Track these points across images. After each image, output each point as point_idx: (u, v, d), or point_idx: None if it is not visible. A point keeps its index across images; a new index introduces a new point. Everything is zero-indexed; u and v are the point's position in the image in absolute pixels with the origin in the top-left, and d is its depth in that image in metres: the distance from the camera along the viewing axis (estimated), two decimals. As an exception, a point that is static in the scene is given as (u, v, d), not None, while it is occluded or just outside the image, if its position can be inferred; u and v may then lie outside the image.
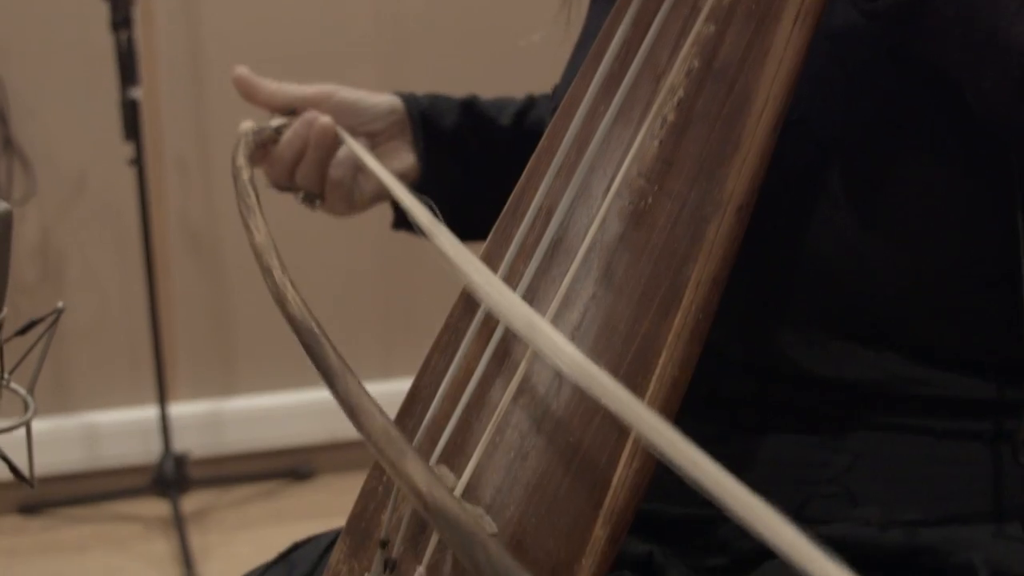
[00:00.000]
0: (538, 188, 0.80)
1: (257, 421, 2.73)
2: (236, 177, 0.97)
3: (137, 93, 2.33)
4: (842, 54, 0.82)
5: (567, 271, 0.75)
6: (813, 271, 0.84)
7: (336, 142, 1.09)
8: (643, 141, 0.74)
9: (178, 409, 2.63)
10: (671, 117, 0.73)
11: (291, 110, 1.12)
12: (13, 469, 0.83)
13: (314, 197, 1.14)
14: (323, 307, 2.66)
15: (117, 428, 2.65)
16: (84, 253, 2.58)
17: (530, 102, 1.18)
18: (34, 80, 2.47)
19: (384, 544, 0.80)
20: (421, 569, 0.76)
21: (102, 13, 2.31)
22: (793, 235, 0.84)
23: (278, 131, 1.10)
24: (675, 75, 0.74)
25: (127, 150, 2.38)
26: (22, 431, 0.79)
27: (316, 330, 0.73)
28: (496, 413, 0.76)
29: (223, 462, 2.71)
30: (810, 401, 0.87)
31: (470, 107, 1.17)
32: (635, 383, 0.70)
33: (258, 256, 0.85)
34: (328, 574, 0.89)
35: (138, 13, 2.40)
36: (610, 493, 0.69)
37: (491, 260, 0.83)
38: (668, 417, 0.69)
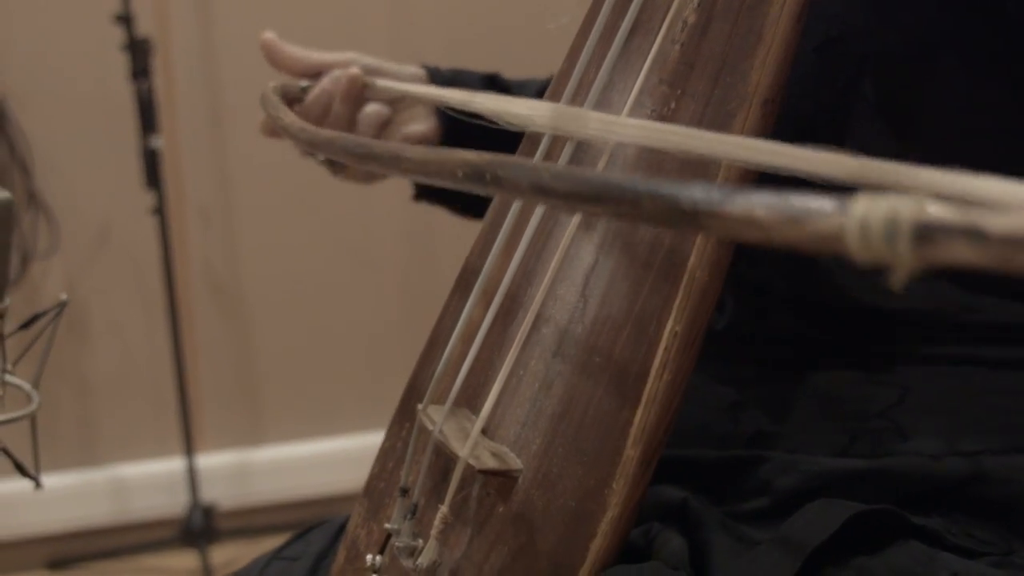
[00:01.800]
0: (537, 146, 0.78)
1: (285, 471, 2.69)
2: (268, 106, 0.97)
3: (158, 142, 2.33)
4: None
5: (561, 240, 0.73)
6: None
7: (362, 97, 1.08)
8: (662, 47, 0.72)
9: (205, 460, 2.59)
10: (691, 19, 0.71)
11: (315, 75, 1.11)
12: (18, 466, 0.81)
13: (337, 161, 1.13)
14: (352, 357, 2.65)
15: (144, 480, 2.62)
16: (108, 304, 2.56)
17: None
18: (56, 132, 2.47)
19: (404, 491, 0.77)
20: (444, 508, 0.73)
21: (121, 64, 2.32)
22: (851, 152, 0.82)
23: (304, 90, 1.10)
24: (693, -25, 0.71)
25: (149, 200, 2.37)
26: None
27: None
28: (515, 345, 0.74)
29: (251, 513, 2.67)
30: (856, 335, 0.84)
31: (493, 80, 1.17)
32: (663, 291, 0.66)
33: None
34: (346, 541, 0.86)
35: (157, 63, 2.40)
36: (640, 409, 0.66)
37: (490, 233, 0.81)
38: (698, 319, 0.66)
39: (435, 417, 0.76)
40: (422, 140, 1.10)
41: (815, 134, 0.81)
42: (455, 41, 2.64)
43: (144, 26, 2.38)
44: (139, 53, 2.32)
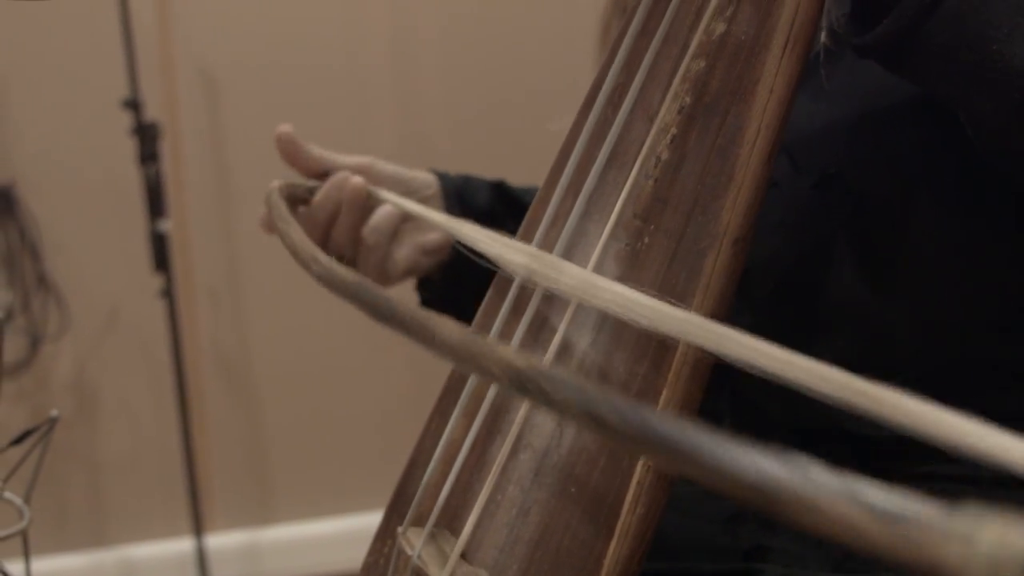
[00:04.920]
0: (533, 238, 0.79)
1: (295, 550, 2.69)
2: (270, 202, 0.94)
3: (166, 225, 2.35)
4: (874, 109, 0.82)
5: (563, 318, 0.73)
6: (850, 324, 0.83)
7: (368, 205, 1.07)
8: (637, 181, 0.73)
9: (215, 540, 2.60)
10: (665, 155, 0.72)
11: (324, 175, 1.10)
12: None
13: (346, 264, 1.12)
14: (360, 437, 2.66)
15: (154, 561, 2.62)
16: (118, 386, 2.58)
17: None
18: (65, 216, 2.50)
19: None
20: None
21: (129, 148, 2.35)
22: (834, 289, 0.83)
23: (310, 191, 1.08)
24: (667, 113, 0.73)
25: (158, 282, 2.39)
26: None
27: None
28: (494, 469, 0.74)
29: (261, 593, 2.67)
30: (851, 455, 0.85)
31: (500, 188, 1.17)
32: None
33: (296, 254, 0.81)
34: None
35: (165, 147, 2.43)
36: (614, 541, 0.67)
37: (488, 315, 0.81)
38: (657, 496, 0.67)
39: (414, 541, 0.77)
40: (437, 248, 1.10)
41: (802, 272, 0.83)
42: (458, 107, 2.67)
43: (152, 111, 2.42)
44: (147, 137, 2.34)
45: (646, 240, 0.71)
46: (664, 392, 0.67)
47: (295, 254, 0.86)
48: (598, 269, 0.73)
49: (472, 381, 0.79)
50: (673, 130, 0.72)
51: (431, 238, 1.11)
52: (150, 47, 2.51)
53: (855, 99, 0.83)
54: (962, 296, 0.81)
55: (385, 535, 0.85)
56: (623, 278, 0.72)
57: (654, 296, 0.62)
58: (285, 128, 1.12)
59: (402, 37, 2.65)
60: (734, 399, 0.90)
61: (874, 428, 0.83)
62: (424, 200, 1.12)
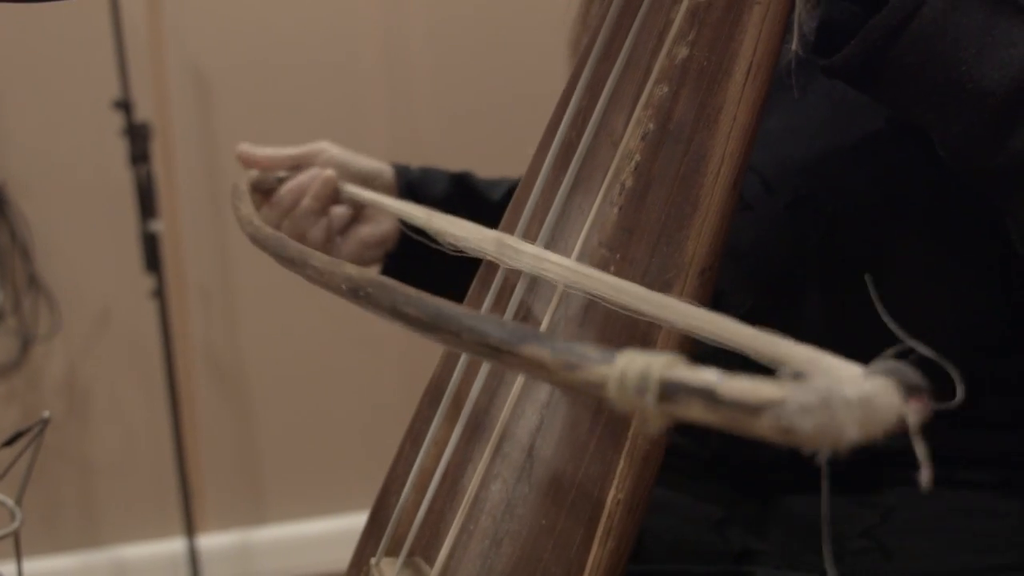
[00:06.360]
0: (491, 284, 0.78)
1: (287, 550, 2.69)
2: (234, 196, 1.03)
3: (157, 226, 2.34)
4: (846, 130, 0.81)
5: (547, 311, 0.73)
6: (824, 345, 0.83)
7: (333, 196, 1.11)
8: (601, 209, 0.72)
9: (207, 540, 2.60)
10: (629, 183, 0.71)
11: (292, 168, 1.16)
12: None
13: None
14: (352, 437, 2.65)
15: (145, 562, 2.62)
16: (109, 386, 2.57)
17: None
18: (56, 217, 2.49)
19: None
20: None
21: (121, 149, 2.34)
22: (807, 309, 0.83)
23: (280, 181, 1.15)
24: (630, 139, 0.72)
25: (149, 282, 2.38)
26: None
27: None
28: (466, 498, 0.74)
29: (254, 593, 2.67)
30: (839, 464, 0.85)
31: (462, 180, 1.19)
32: (606, 458, 0.67)
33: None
34: None
35: (156, 147, 2.42)
36: (585, 574, 0.66)
37: (472, 304, 0.81)
38: (641, 485, 0.66)
39: (387, 573, 0.76)
40: (379, 242, 1.14)
41: (775, 293, 0.83)
42: (451, 106, 2.66)
43: (143, 111, 2.41)
44: (138, 138, 2.33)
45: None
46: (632, 425, 0.66)
47: (239, 220, 0.96)
48: (563, 299, 0.72)
49: (443, 409, 0.78)
50: (637, 156, 0.71)
51: (376, 231, 1.15)
52: (141, 47, 2.50)
53: (827, 120, 0.82)
54: (934, 315, 0.81)
55: (360, 563, 0.85)
56: (589, 308, 0.71)
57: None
58: (243, 146, 1.18)
59: (394, 37, 2.64)
60: None
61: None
62: (375, 190, 1.15)
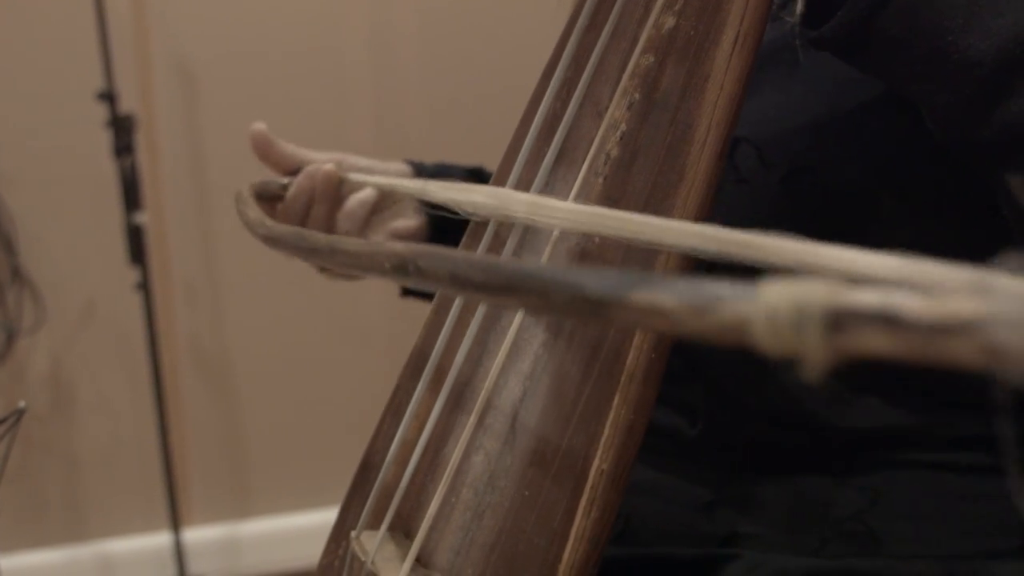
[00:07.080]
0: (481, 238, 0.78)
1: (273, 544, 2.68)
2: (239, 202, 0.94)
3: (142, 218, 2.34)
4: (841, 103, 0.81)
5: (514, 320, 0.72)
6: None
7: (340, 191, 1.07)
8: (586, 179, 0.72)
9: (193, 534, 2.59)
10: (615, 152, 0.71)
11: (297, 172, 1.10)
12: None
13: None
14: (339, 430, 2.65)
15: (131, 556, 2.61)
16: (94, 380, 2.56)
17: None
18: (40, 209, 2.48)
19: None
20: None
21: (105, 140, 2.33)
22: None
23: (284, 187, 1.09)
24: (616, 109, 0.72)
25: (134, 275, 2.37)
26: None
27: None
28: (448, 471, 0.73)
29: (240, 587, 2.66)
30: (827, 445, 0.85)
31: (477, 174, 1.18)
32: (589, 429, 0.66)
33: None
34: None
35: (141, 139, 2.41)
36: (569, 546, 0.66)
37: (440, 311, 0.80)
38: (625, 455, 0.65)
39: (367, 546, 0.76)
40: (408, 236, 1.10)
41: None
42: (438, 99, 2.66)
43: (128, 103, 2.40)
44: (122, 130, 2.32)
45: (597, 241, 0.70)
46: (630, 355, 0.66)
47: (247, 224, 0.87)
48: (556, 246, 0.72)
49: (426, 379, 0.78)
50: (623, 126, 0.71)
51: (402, 225, 1.12)
52: (125, 38, 2.49)
53: (822, 92, 0.82)
54: None
55: (339, 536, 0.84)
56: (583, 256, 0.71)
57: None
58: (259, 126, 1.12)
59: (380, 30, 2.64)
60: (708, 391, 0.90)
61: (851, 420, 0.83)
62: None
